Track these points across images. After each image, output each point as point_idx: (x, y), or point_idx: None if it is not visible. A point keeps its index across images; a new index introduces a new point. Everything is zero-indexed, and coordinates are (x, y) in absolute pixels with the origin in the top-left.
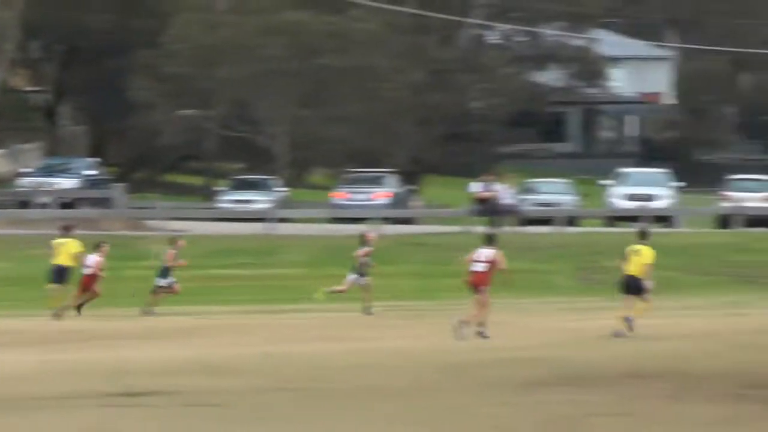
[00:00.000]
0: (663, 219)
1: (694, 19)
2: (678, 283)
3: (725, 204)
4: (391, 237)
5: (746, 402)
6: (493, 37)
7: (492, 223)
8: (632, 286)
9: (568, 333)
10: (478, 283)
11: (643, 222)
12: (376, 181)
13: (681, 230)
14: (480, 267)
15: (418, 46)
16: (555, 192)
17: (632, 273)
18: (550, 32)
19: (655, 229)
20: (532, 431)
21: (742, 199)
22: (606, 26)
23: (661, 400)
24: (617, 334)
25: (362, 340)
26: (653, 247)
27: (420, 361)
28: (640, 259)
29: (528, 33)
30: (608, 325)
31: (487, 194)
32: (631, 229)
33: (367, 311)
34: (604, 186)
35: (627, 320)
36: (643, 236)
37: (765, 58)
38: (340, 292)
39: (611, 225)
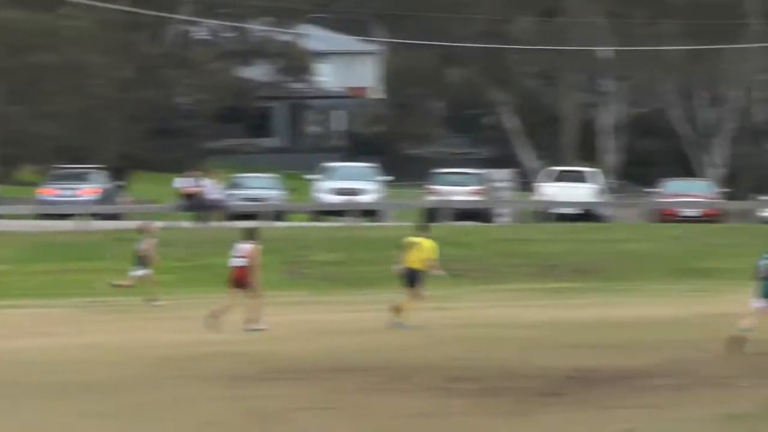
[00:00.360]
0: (370, 213)
1: (402, 14)
2: (379, 278)
3: (432, 198)
4: (98, 233)
5: (452, 395)
6: (200, 33)
7: (199, 218)
8: (410, 278)
9: (276, 327)
10: (240, 279)
11: (352, 216)
12: (83, 177)
13: (387, 224)
14: (239, 262)
15: (129, 43)
16: (262, 187)
17: (412, 265)
18: (258, 27)
19: (364, 223)
20: (239, 425)
21: (449, 193)
22: (313, 21)
23: (368, 393)
24: (395, 325)
25: (66, 336)
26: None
27: (126, 356)
28: (420, 252)
29: (235, 29)
30: (316, 319)
31: (193, 189)
32: (339, 223)
33: (150, 302)
34: (310, 181)
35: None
36: (423, 229)
37: (471, 54)
38: (127, 287)
39: (318, 219)
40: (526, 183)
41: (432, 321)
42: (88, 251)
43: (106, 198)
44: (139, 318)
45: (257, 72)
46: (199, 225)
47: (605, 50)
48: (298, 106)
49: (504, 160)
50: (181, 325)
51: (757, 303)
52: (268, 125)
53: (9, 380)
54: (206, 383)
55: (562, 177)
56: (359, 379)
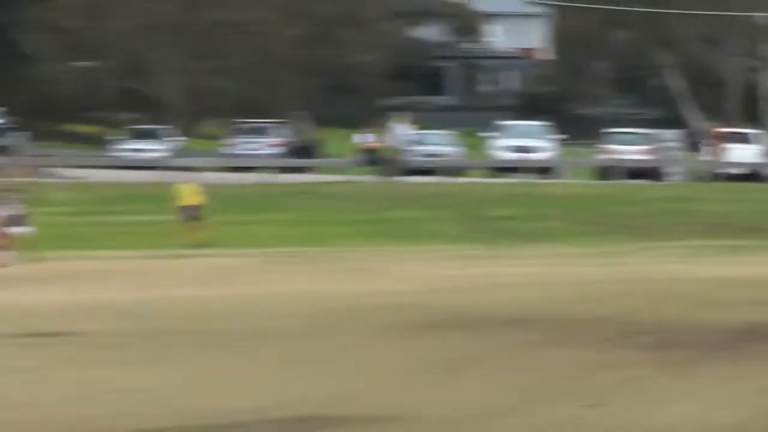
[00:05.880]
0: (545, 170)
1: None
2: (556, 233)
3: (604, 156)
4: (281, 186)
5: (626, 348)
6: None
7: (379, 173)
8: None
9: (455, 280)
10: None
11: (527, 173)
12: (265, 132)
13: (562, 181)
14: None
15: (304, 2)
16: (440, 143)
17: None
18: None
19: (539, 180)
20: (419, 373)
21: (621, 152)
22: None
23: (540, 345)
24: None
25: (253, 285)
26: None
27: (306, 306)
28: None
29: None
30: (492, 272)
31: (373, 144)
32: (515, 180)
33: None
34: (484, 138)
35: None
36: None
37: (636, 17)
38: None
39: (493, 176)
40: (693, 143)
41: (603, 276)
42: (269, 204)
43: (294, 152)
44: (315, 269)
45: (430, 32)
46: (379, 180)
47: (765, 16)
48: (470, 65)
49: (670, 120)
50: (356, 276)
51: None
52: (441, 84)
53: (198, 328)
54: (379, 332)
55: (729, 138)
56: (532, 331)
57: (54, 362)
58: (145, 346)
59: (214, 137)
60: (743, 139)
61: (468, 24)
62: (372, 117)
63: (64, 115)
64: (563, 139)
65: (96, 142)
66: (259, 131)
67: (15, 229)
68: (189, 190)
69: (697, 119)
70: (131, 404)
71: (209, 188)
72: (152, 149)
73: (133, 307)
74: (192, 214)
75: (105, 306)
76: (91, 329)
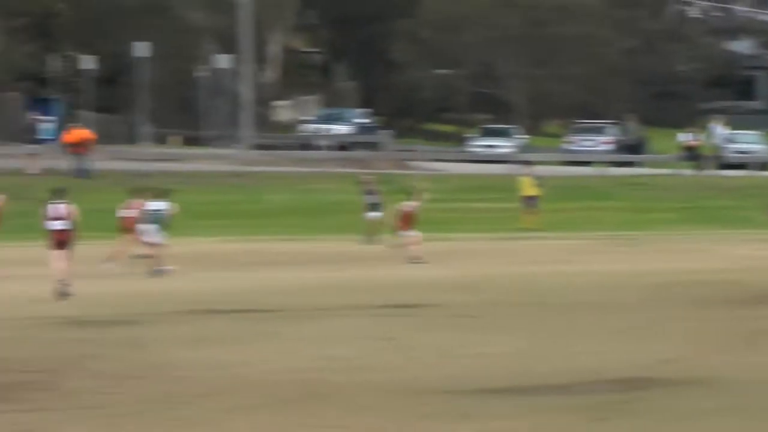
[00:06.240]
0: None
1: None
2: None
3: None
4: (612, 178)
5: None
6: (693, 12)
7: (697, 168)
8: None
9: (763, 260)
10: None
11: None
12: (600, 131)
13: None
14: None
15: (633, 18)
16: (750, 142)
17: None
18: (742, 8)
19: None
20: (737, 341)
21: None
22: None
23: None
24: None
25: (585, 264)
26: None
27: (636, 281)
28: None
29: (723, 9)
30: None
31: (692, 143)
32: None
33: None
34: None
35: None
36: None
37: None
38: None
39: None
40: None
41: None
42: (600, 193)
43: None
44: (641, 250)
45: (743, 46)
46: (697, 173)
47: None
48: None
49: None
50: (678, 256)
51: None
52: (752, 90)
53: (539, 301)
54: (701, 305)
55: None
56: None
57: (412, 330)
58: (493, 316)
59: (556, 135)
60: None
61: None
62: (692, 119)
63: (424, 116)
64: None
65: (452, 139)
66: (594, 130)
67: (372, 215)
68: (528, 182)
69: None
70: (479, 367)
71: (548, 180)
72: (501, 146)
73: (482, 281)
74: (530, 202)
75: (458, 281)
76: (445, 301)
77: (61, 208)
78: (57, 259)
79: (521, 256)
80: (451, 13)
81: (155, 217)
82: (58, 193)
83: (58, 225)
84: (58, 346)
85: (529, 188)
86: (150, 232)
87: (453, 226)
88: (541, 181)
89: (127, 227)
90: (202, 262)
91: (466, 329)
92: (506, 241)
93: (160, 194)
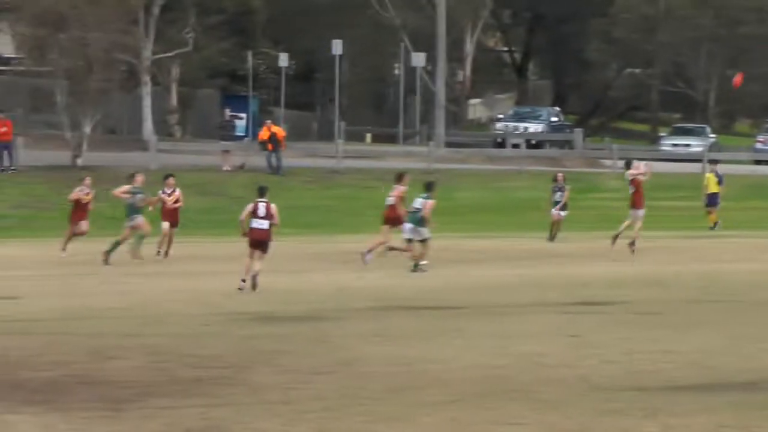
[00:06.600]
0: None
1: None
2: None
3: None
4: None
5: None
6: None
7: None
8: None
9: None
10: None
11: None
12: None
13: None
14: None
15: None
16: None
17: None
18: None
19: None
20: None
21: None
22: None
23: None
24: None
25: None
26: None
27: None
28: None
29: None
30: None
31: None
32: None
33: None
34: None
35: None
36: None
37: None
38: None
39: None
40: None
41: None
42: None
43: None
44: None
45: None
46: None
47: None
48: None
49: None
50: None
51: None
52: None
53: (728, 298)
54: None
55: None
56: None
57: (598, 327)
58: (680, 313)
59: (748, 135)
60: None
61: None
62: None
63: (616, 114)
64: None
65: (644, 137)
66: None
67: (559, 213)
68: (712, 180)
69: None
70: (665, 364)
71: (737, 179)
72: (692, 144)
73: (670, 278)
74: (713, 200)
75: (645, 278)
76: (633, 298)
77: (262, 206)
78: (251, 257)
79: (708, 253)
80: (644, 13)
81: (413, 214)
82: (261, 192)
83: (258, 224)
84: (248, 342)
85: (712, 186)
86: (409, 228)
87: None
88: (728, 179)
89: (388, 218)
90: (393, 259)
91: (653, 326)
92: (694, 239)
93: (427, 187)
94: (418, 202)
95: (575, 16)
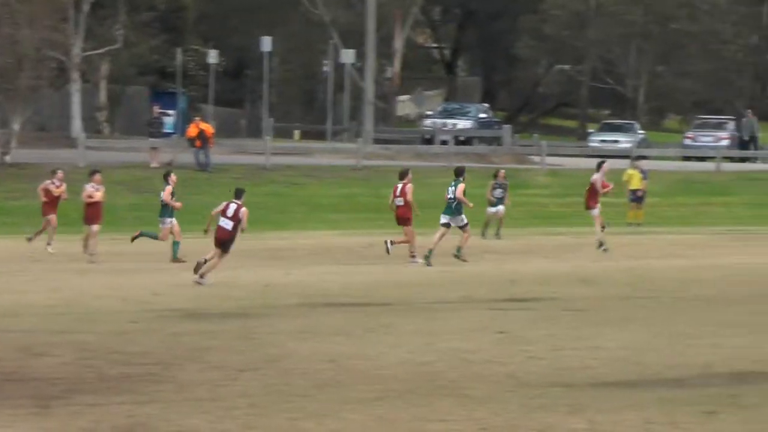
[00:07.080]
0: None
1: None
2: None
3: None
4: (730, 173)
5: None
6: None
7: None
8: None
9: None
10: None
11: None
12: (719, 126)
13: None
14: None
15: (754, 14)
16: None
17: None
18: None
19: None
20: None
21: None
22: None
23: None
24: None
25: (700, 258)
26: None
27: (748, 276)
28: None
29: None
30: None
31: None
32: None
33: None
34: None
35: None
36: None
37: None
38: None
39: None
40: None
41: None
42: (717, 189)
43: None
44: (758, 245)
45: None
46: None
47: None
48: None
49: None
50: None
51: None
52: None
53: (652, 295)
54: None
55: None
56: None
57: (525, 323)
58: (606, 310)
59: (677, 131)
60: None
61: None
62: None
63: (545, 111)
64: None
65: (573, 134)
66: (713, 126)
67: (498, 209)
68: (636, 176)
69: None
70: (592, 360)
71: (661, 175)
72: (621, 141)
73: (599, 275)
74: (636, 196)
75: (571, 275)
76: (559, 295)
77: (233, 207)
78: (212, 254)
79: (637, 249)
80: (574, 9)
81: (448, 205)
82: (238, 193)
83: (224, 223)
84: (176, 338)
85: (636, 182)
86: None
87: (568, 220)
88: (653, 176)
89: (401, 218)
90: (321, 255)
91: (580, 323)
92: (621, 236)
93: (457, 173)
94: (449, 191)
95: (505, 13)
